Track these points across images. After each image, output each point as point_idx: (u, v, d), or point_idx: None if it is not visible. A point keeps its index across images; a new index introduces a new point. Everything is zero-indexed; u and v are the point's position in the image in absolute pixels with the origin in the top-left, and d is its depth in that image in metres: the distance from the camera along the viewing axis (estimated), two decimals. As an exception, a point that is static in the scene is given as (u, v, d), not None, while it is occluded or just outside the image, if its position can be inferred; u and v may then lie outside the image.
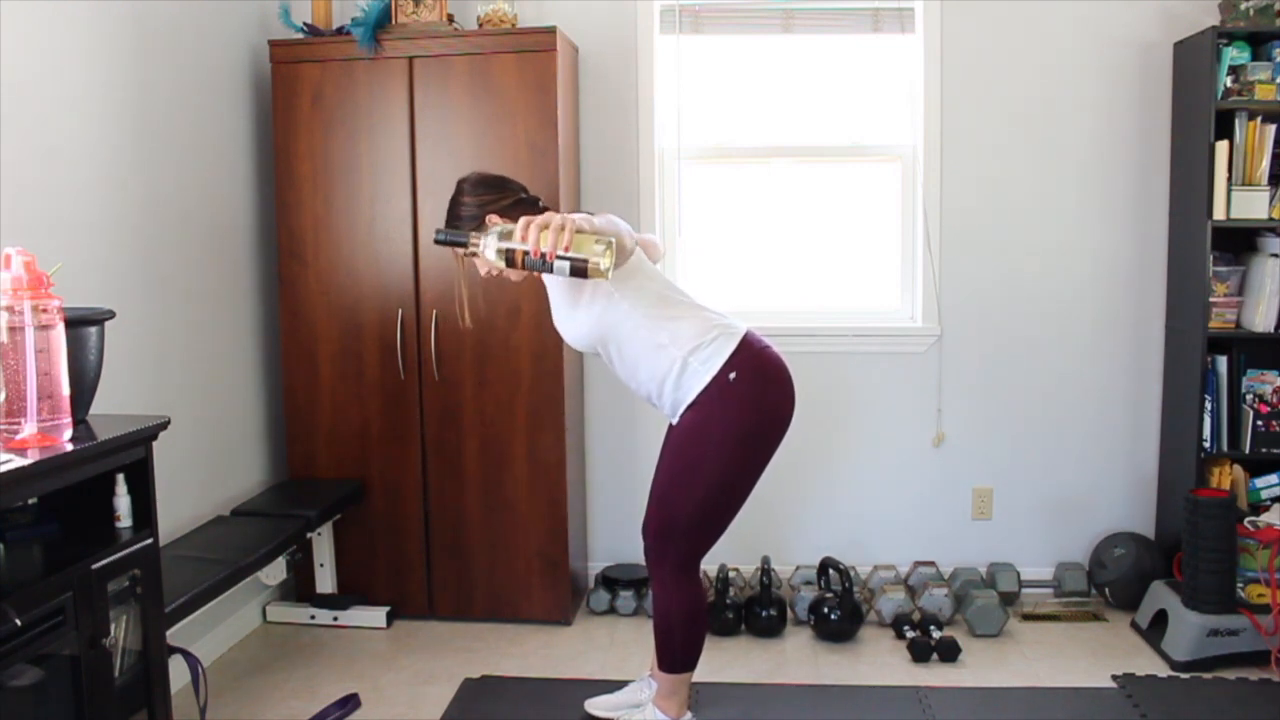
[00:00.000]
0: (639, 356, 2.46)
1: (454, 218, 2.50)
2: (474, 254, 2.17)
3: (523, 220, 2.03)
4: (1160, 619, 3.19)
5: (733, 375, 2.40)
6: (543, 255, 1.99)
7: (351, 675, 3.07)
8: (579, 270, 2.02)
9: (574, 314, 2.47)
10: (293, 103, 3.35)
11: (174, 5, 3.01)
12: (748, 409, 2.41)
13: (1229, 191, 3.19)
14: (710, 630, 3.29)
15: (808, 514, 3.73)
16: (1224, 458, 3.31)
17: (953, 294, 3.61)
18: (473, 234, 2.18)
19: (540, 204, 2.57)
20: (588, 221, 2.12)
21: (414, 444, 3.42)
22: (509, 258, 2.08)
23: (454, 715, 2.83)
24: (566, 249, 1.98)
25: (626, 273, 2.40)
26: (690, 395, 2.42)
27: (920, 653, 3.13)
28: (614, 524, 3.76)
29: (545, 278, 2.49)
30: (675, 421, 2.50)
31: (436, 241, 2.25)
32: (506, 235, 2.09)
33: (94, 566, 1.91)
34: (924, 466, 3.69)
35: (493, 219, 2.46)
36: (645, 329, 2.42)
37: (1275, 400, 3.28)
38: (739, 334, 2.46)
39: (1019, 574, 3.56)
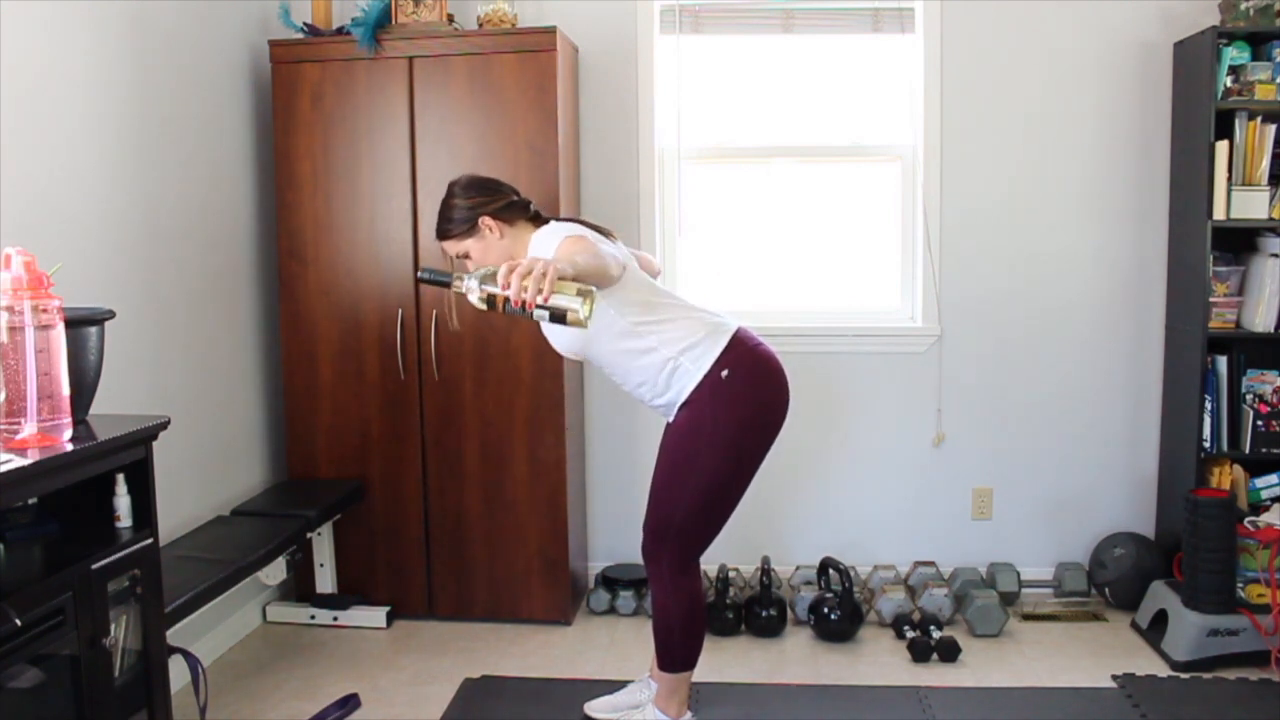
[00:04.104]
0: (629, 362, 2.46)
1: (445, 220, 2.51)
2: (460, 293, 2.16)
3: (505, 265, 2.00)
4: (1160, 619, 3.19)
5: (725, 373, 2.40)
6: (523, 303, 1.99)
7: (351, 675, 3.07)
8: (558, 319, 2.04)
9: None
10: (293, 103, 3.35)
11: (174, 5, 3.01)
12: (741, 406, 2.41)
13: (1229, 191, 3.19)
14: (710, 630, 3.29)
15: (808, 514, 3.73)
16: (1224, 458, 3.31)
17: (953, 294, 3.61)
18: (456, 274, 2.17)
19: (531, 207, 2.57)
20: (571, 262, 2.10)
21: (414, 444, 3.42)
22: (490, 300, 2.10)
23: (454, 715, 2.83)
24: (546, 300, 1.99)
25: (609, 288, 2.38)
26: (683, 394, 2.43)
27: (920, 653, 3.13)
28: (614, 524, 3.76)
29: None
30: (671, 420, 2.50)
31: (419, 279, 2.25)
32: (490, 278, 2.09)
33: (94, 566, 1.91)
34: (924, 466, 3.68)
35: (486, 221, 2.47)
36: (632, 336, 2.42)
37: (1275, 400, 3.28)
38: (730, 331, 2.46)
39: (1019, 574, 3.56)
